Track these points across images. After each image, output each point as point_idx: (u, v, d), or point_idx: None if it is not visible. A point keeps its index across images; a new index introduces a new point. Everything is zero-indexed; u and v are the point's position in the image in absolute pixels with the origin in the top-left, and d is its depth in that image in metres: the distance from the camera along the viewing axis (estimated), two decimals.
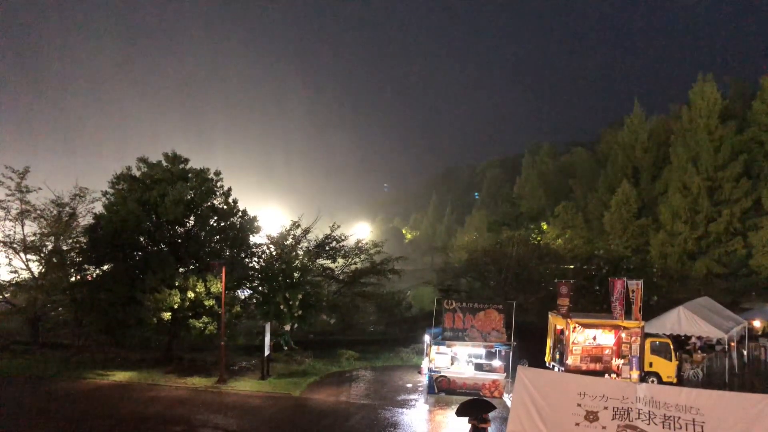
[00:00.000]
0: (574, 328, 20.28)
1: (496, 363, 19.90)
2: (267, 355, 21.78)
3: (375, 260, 30.76)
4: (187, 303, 21.77)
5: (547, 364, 21.65)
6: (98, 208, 25.15)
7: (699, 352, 22.92)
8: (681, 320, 21.86)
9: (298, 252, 28.23)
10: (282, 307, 24.37)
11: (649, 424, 8.51)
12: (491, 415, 9.76)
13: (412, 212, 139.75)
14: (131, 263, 23.80)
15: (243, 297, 26.23)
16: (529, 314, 29.38)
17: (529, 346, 22.57)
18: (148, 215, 23.42)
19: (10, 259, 25.20)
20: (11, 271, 25.07)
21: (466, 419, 9.80)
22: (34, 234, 25.61)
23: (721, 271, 40.17)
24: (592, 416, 8.84)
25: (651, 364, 20.89)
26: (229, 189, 25.62)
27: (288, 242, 28.14)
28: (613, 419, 8.72)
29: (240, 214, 25.73)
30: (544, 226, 52.66)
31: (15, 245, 25.27)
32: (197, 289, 21.84)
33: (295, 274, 25.56)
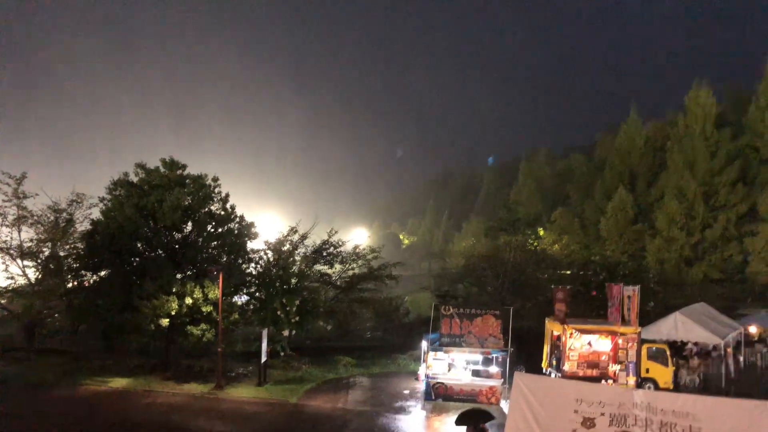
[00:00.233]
0: (571, 333, 20.31)
1: (493, 369, 19.83)
2: (264, 362, 21.76)
3: (372, 266, 30.68)
4: (185, 309, 21.72)
5: (544, 370, 21.65)
6: (95, 213, 25.15)
7: (695, 358, 22.95)
8: (677, 326, 21.88)
9: (296, 258, 28.17)
10: (279, 313, 24.35)
11: (645, 431, 8.54)
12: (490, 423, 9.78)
13: (410, 217, 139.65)
14: (128, 269, 23.79)
15: (240, 303, 26.20)
16: (526, 320, 29.34)
17: (526, 351, 22.61)
18: (145, 221, 23.40)
19: (7, 265, 25.15)
20: (8, 278, 24.99)
21: (464, 428, 9.81)
22: (31, 240, 25.54)
23: (718, 276, 40.31)
24: (588, 423, 8.85)
25: (648, 370, 20.88)
26: (227, 195, 25.62)
27: (285, 248, 28.07)
28: (610, 425, 8.74)
29: (237, 219, 25.75)
30: (541, 232, 52.75)
31: (12, 251, 25.21)
32: (195, 296, 21.80)
33: (293, 280, 25.56)
